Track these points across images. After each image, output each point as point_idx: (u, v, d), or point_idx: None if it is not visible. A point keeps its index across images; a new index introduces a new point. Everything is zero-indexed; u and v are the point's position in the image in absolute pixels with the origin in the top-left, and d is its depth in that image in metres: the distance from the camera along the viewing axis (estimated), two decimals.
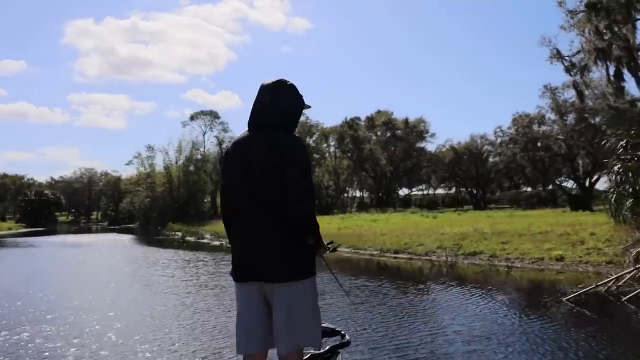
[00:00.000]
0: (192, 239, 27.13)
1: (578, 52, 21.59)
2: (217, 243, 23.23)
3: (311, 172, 2.60)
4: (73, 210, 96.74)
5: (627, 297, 7.04)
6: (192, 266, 13.79)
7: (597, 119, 37.21)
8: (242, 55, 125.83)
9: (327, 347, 2.91)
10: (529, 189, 65.85)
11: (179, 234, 29.87)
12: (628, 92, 20.84)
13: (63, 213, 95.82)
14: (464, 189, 68.45)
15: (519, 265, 11.36)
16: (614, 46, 17.85)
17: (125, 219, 66.99)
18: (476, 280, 10.09)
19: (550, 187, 62.25)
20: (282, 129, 2.57)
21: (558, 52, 22.27)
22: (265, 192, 2.47)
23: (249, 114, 2.67)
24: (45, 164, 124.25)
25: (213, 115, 63.63)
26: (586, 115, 36.14)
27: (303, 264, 2.52)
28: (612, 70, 20.50)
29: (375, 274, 11.41)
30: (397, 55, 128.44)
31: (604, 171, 8.99)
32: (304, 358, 2.70)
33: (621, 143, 8.68)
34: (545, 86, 38.10)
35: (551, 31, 41.15)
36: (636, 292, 7.02)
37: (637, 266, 7.26)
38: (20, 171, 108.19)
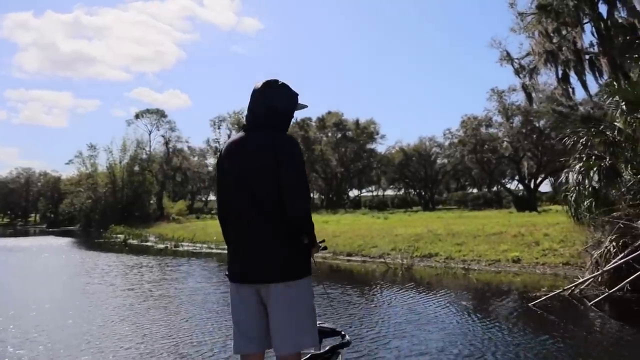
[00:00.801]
0: (135, 241, 25.82)
1: (527, 54, 21.93)
2: (161, 246, 22.15)
3: (305, 171, 2.58)
4: (9, 212, 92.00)
5: (593, 301, 6.80)
6: (136, 272, 12.84)
7: (542, 122, 38.31)
8: (191, 53, 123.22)
9: (327, 347, 2.92)
10: (475, 190, 67.35)
11: (121, 236, 28.36)
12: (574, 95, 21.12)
13: None
14: (412, 190, 69.37)
15: (475, 268, 11.14)
16: (563, 48, 18.10)
17: (65, 221, 64.11)
18: (436, 284, 9.74)
19: (495, 188, 63.99)
20: (275, 129, 2.58)
21: (508, 54, 22.51)
22: (260, 192, 2.48)
23: (245, 116, 2.71)
24: None
25: (159, 114, 61.95)
26: (531, 118, 37.09)
27: (299, 263, 2.51)
28: (560, 73, 20.90)
29: (331, 279, 10.88)
30: (346, 56, 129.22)
31: (565, 170, 8.75)
32: (305, 358, 2.74)
33: (581, 141, 8.52)
34: (492, 89, 38.93)
35: (501, 33, 41.88)
36: (603, 295, 6.80)
37: (605, 269, 7.05)
38: None
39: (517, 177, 62.99)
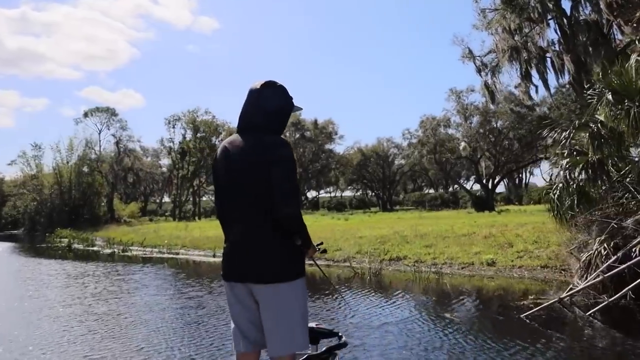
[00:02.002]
0: (80, 246, 24.11)
1: (490, 52, 21.66)
2: (108, 251, 20.63)
3: (296, 172, 2.58)
4: None
5: (591, 310, 6.15)
6: (78, 283, 11.38)
7: (500, 122, 38.56)
8: (145, 52, 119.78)
9: (324, 348, 2.92)
10: (432, 191, 67.85)
11: (66, 240, 26.44)
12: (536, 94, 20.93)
13: None
14: (370, 191, 69.33)
15: (448, 271, 10.43)
16: (529, 44, 17.82)
17: (9, 225, 60.82)
18: (411, 292, 8.91)
19: (451, 189, 64.56)
20: (268, 130, 2.58)
21: (470, 51, 22.25)
22: (252, 193, 2.49)
23: (238, 116, 2.70)
24: None
25: (110, 112, 59.38)
26: (490, 118, 37.24)
27: (291, 265, 2.50)
28: (522, 71, 20.70)
29: None
30: (304, 56, 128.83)
31: (552, 165, 8.07)
32: (302, 359, 2.76)
33: (564, 134, 7.89)
34: (451, 89, 38.98)
35: (463, 31, 41.93)
36: (604, 304, 6.14)
37: (607, 274, 6.40)
38: None
39: (473, 178, 63.97)
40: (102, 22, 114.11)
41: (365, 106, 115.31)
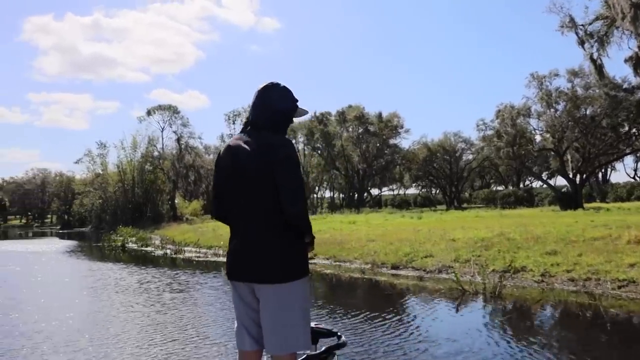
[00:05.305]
0: (135, 246, 22.54)
1: (596, 18, 18.27)
2: (160, 252, 18.84)
3: (300, 171, 2.56)
4: (29, 214, 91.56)
5: None
6: (124, 304, 8.85)
7: (590, 110, 34.27)
8: (210, 54, 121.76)
9: (323, 348, 2.85)
10: (501, 188, 63.43)
11: (121, 239, 24.98)
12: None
13: (17, 216, 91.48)
14: (435, 188, 65.97)
15: (599, 291, 7.55)
16: None
17: (76, 222, 62.27)
18: (574, 331, 6.20)
19: (522, 185, 59.95)
20: (272, 130, 2.57)
21: (572, 19, 18.90)
22: (256, 192, 2.47)
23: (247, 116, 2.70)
24: (5, 165, 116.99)
25: (172, 110, 59.03)
26: (581, 105, 33.06)
27: (294, 264, 2.47)
28: (632, 43, 17.29)
29: (378, 307, 7.40)
30: (367, 51, 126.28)
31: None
32: (301, 359, 2.68)
33: None
34: (532, 74, 35.00)
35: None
36: None
37: None
38: None
39: (546, 173, 59.07)
40: (169, 26, 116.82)
41: (430, 99, 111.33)
